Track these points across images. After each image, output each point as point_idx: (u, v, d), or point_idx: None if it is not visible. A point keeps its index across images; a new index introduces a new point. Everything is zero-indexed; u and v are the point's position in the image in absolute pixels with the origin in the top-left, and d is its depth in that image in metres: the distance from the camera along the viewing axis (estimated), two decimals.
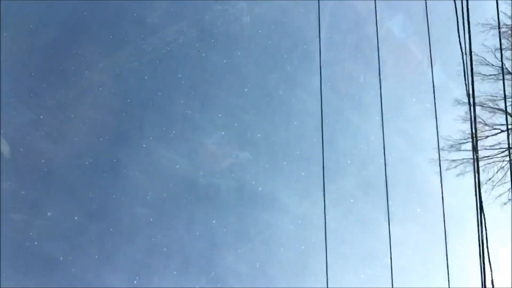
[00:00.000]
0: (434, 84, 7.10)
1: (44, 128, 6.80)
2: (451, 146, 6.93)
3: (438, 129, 6.92)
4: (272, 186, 6.80)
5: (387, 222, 6.62)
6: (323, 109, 6.93)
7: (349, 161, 6.89)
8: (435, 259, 6.62)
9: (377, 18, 7.45)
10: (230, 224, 6.71)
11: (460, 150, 6.96)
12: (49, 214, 6.59)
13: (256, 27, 7.33)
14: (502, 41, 6.88)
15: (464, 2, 7.02)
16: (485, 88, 7.32)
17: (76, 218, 6.62)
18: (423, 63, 7.41)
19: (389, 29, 7.54)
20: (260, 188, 6.77)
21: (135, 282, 6.53)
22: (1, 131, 6.74)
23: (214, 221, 6.71)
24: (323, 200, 6.66)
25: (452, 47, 7.40)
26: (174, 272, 6.59)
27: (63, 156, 6.75)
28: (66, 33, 7.15)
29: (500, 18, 7.17)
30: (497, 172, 6.96)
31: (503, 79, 6.71)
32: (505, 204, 6.80)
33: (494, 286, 6.22)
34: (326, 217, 6.62)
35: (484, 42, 7.55)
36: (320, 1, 7.33)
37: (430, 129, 6.97)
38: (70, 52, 7.10)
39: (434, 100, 6.93)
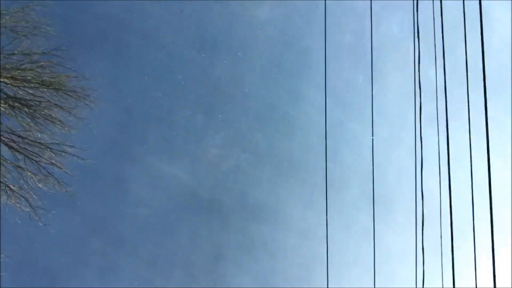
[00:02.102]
0: (434, 83, 7.07)
1: (41, 105, 6.78)
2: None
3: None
4: (273, 193, 6.81)
5: (390, 232, 6.65)
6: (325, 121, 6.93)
7: (352, 172, 6.88)
8: (437, 265, 6.63)
9: (376, 18, 7.41)
10: (233, 233, 6.72)
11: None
12: (49, 215, 6.59)
13: (256, 28, 7.29)
14: None
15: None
16: None
17: (76, 219, 6.62)
18: (423, 64, 7.37)
19: (388, 29, 7.50)
20: (261, 194, 6.78)
21: (136, 283, 6.55)
22: (1, 132, 6.73)
23: (216, 224, 6.71)
24: (326, 211, 6.66)
25: (454, 47, 7.36)
26: (171, 248, 6.61)
27: (61, 133, 6.74)
28: (66, 34, 7.10)
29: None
30: None
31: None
32: None
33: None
34: (329, 228, 6.63)
35: None
36: (318, 2, 7.28)
37: (434, 138, 6.95)
38: (70, 54, 7.06)
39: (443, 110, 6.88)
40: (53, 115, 7.06)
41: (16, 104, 6.96)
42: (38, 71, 7.15)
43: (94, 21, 6.99)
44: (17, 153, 6.97)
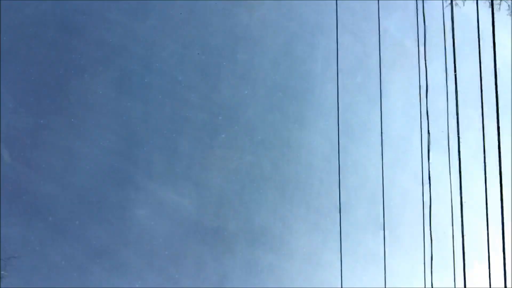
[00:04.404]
0: (432, 82, 7.09)
1: (44, 132, 6.76)
2: None
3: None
4: (278, 218, 6.82)
5: (395, 257, 6.69)
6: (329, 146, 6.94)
7: (357, 196, 6.91)
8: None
9: (376, 19, 7.40)
10: (238, 260, 6.74)
11: None
12: (50, 219, 6.60)
13: (256, 28, 7.25)
14: None
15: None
16: None
17: (77, 222, 6.63)
18: (422, 63, 7.37)
19: (385, 29, 7.48)
20: (266, 219, 6.80)
21: (137, 286, 6.60)
22: (1, 136, 6.69)
23: (220, 251, 6.74)
24: (331, 235, 6.71)
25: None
26: (176, 276, 6.65)
27: (63, 160, 6.73)
28: (65, 35, 7.05)
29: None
30: None
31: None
32: None
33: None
34: (334, 252, 6.68)
35: None
36: (323, 25, 7.25)
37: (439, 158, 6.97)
38: (70, 55, 7.01)
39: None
40: None
41: None
42: None
43: (96, 48, 6.91)
44: None
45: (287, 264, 6.69)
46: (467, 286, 6.28)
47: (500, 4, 7.29)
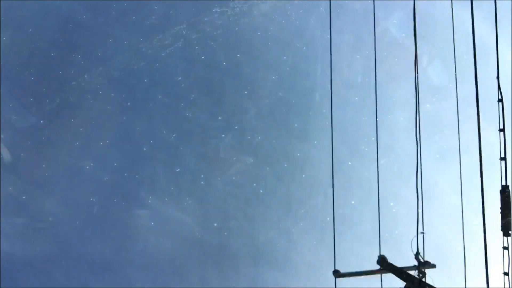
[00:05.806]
0: (434, 83, 7.08)
1: (44, 132, 6.76)
2: None
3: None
4: (282, 235, 6.78)
5: None
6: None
7: (356, 205, 6.87)
8: None
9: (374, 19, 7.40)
10: (242, 278, 6.69)
11: None
12: (50, 219, 6.59)
13: (255, 29, 7.26)
14: None
15: None
16: None
17: (80, 239, 6.61)
18: (421, 63, 7.35)
19: (386, 29, 7.48)
20: (270, 235, 6.76)
21: None
22: (1, 136, 6.70)
23: (225, 268, 6.70)
24: (337, 250, 6.66)
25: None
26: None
27: (64, 161, 6.72)
28: (65, 36, 7.05)
29: None
30: None
31: None
32: None
33: None
34: (339, 267, 6.62)
35: None
36: (325, 41, 7.25)
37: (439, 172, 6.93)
38: (69, 56, 7.03)
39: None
40: None
41: None
42: None
43: (99, 64, 6.92)
44: None
45: (291, 280, 6.63)
46: None
47: None
